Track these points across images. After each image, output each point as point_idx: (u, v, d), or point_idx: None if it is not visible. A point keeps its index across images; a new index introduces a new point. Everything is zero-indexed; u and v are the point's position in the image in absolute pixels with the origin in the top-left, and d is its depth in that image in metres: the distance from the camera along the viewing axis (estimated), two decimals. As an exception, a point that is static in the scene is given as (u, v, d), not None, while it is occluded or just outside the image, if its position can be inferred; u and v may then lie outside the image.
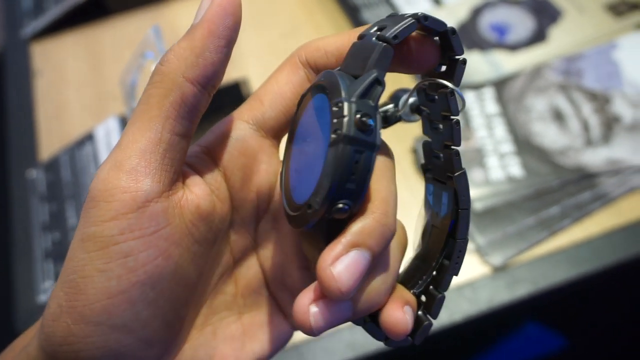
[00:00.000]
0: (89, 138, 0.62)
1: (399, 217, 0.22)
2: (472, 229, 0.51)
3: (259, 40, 0.71)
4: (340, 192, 0.19)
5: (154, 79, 0.22)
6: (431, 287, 0.25)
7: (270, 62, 0.68)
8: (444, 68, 0.24)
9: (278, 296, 0.26)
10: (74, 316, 0.20)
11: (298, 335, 0.48)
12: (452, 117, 0.23)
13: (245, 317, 0.26)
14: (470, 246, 0.51)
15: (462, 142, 0.56)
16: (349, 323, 0.23)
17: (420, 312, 0.24)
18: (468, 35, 0.65)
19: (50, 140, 0.65)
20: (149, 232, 0.21)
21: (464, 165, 0.24)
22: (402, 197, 0.48)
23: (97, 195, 0.20)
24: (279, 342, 0.26)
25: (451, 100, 0.23)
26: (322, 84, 0.21)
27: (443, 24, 0.22)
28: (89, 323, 0.20)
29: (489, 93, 0.60)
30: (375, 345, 0.47)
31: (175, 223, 0.21)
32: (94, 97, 0.68)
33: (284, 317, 0.26)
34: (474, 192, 0.53)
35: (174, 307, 0.22)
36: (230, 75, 0.67)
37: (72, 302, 0.20)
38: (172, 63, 0.21)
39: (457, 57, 0.23)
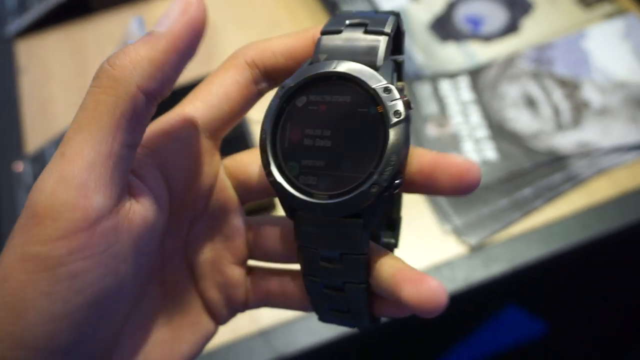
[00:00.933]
0: (74, 131, 0.63)
1: None
2: (450, 210, 0.53)
3: (240, 37, 0.72)
4: (401, 167, 0.21)
5: (103, 83, 0.20)
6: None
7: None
8: None
9: (206, 295, 0.26)
10: (10, 342, 0.18)
11: (287, 314, 0.50)
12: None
13: (174, 318, 0.25)
14: (447, 227, 0.53)
15: (439, 129, 0.58)
16: None
17: None
18: (444, 27, 0.67)
19: (36, 135, 0.66)
20: (99, 252, 0.19)
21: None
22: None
23: (42, 211, 0.18)
24: (205, 341, 0.26)
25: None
26: (346, 74, 0.22)
27: (402, 24, 0.25)
28: (28, 348, 0.18)
29: (464, 82, 0.62)
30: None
31: (124, 239, 0.20)
32: (78, 92, 0.69)
33: (209, 316, 0.26)
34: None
35: (114, 322, 0.21)
36: (210, 69, 0.68)
37: (9, 327, 0.18)
38: (126, 69, 0.20)
39: (400, 56, 0.25)
